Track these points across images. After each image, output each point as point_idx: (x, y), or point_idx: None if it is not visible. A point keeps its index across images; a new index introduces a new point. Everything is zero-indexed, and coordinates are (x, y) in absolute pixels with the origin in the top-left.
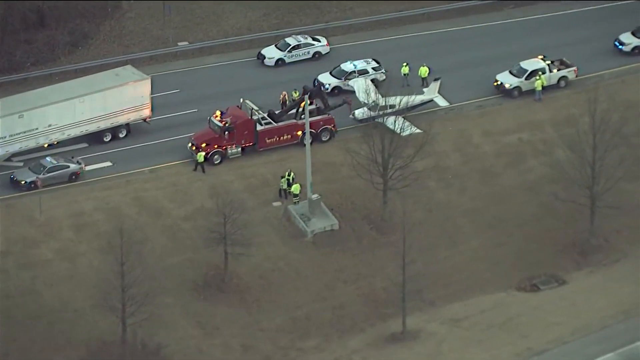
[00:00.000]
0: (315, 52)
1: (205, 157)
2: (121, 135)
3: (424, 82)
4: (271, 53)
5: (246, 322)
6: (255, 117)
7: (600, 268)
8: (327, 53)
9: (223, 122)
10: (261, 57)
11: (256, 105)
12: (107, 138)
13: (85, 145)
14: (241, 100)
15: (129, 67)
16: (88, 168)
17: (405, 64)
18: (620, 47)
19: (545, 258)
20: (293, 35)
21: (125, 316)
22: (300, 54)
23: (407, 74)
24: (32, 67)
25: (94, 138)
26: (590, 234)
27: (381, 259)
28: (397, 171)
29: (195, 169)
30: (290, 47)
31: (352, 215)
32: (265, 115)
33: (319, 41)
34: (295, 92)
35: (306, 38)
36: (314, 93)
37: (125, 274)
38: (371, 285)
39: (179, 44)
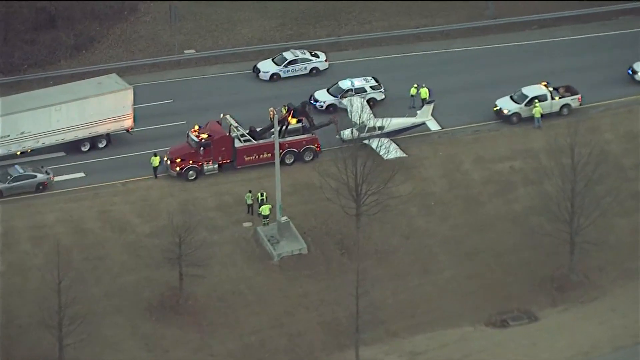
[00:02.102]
0: (313, 68)
1: (156, 165)
2: (101, 146)
3: (424, 103)
4: (266, 67)
5: (197, 345)
6: (234, 134)
7: (575, 305)
8: (325, 69)
9: (200, 138)
10: (256, 71)
11: (237, 122)
12: (85, 148)
13: (62, 154)
14: (221, 115)
15: (113, 75)
16: (60, 178)
17: (415, 85)
18: (633, 75)
19: (521, 292)
20: (291, 50)
21: (62, 335)
22: (297, 69)
23: (414, 96)
24: (30, 70)
25: (72, 147)
26: (570, 270)
27: (349, 286)
28: (371, 197)
29: (155, 177)
30: (287, 61)
31: (324, 239)
32: (246, 132)
33: (318, 57)
34: (285, 109)
35: (304, 53)
36: (298, 111)
37: (63, 292)
38: (334, 313)
39: (186, 51)
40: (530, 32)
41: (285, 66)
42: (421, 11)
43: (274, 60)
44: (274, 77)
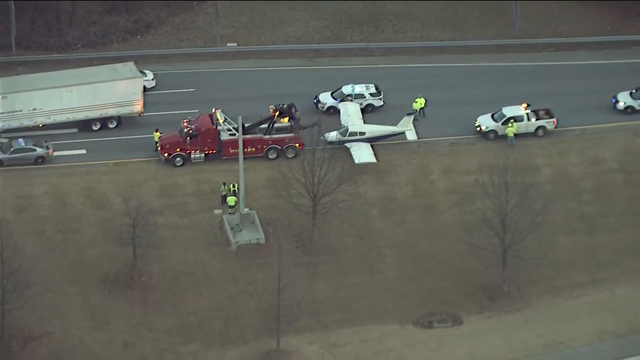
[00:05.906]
0: None
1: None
2: (111, 126)
3: (421, 112)
4: None
5: (138, 320)
6: (220, 127)
7: (499, 314)
8: (152, 87)
9: (188, 129)
10: None
11: (227, 116)
12: (96, 127)
13: (75, 130)
14: (213, 109)
15: (130, 64)
16: (62, 153)
17: (416, 100)
18: (615, 104)
19: (454, 297)
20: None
21: (4, 300)
22: None
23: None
24: (82, 49)
25: (85, 125)
26: (502, 281)
27: (295, 277)
28: (325, 197)
29: (155, 150)
30: None
31: (284, 231)
32: (233, 126)
33: (145, 75)
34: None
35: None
36: (285, 112)
37: (6, 261)
38: (274, 301)
39: (228, 44)
40: (548, 54)
41: None
42: (456, 24)
43: None
44: None
